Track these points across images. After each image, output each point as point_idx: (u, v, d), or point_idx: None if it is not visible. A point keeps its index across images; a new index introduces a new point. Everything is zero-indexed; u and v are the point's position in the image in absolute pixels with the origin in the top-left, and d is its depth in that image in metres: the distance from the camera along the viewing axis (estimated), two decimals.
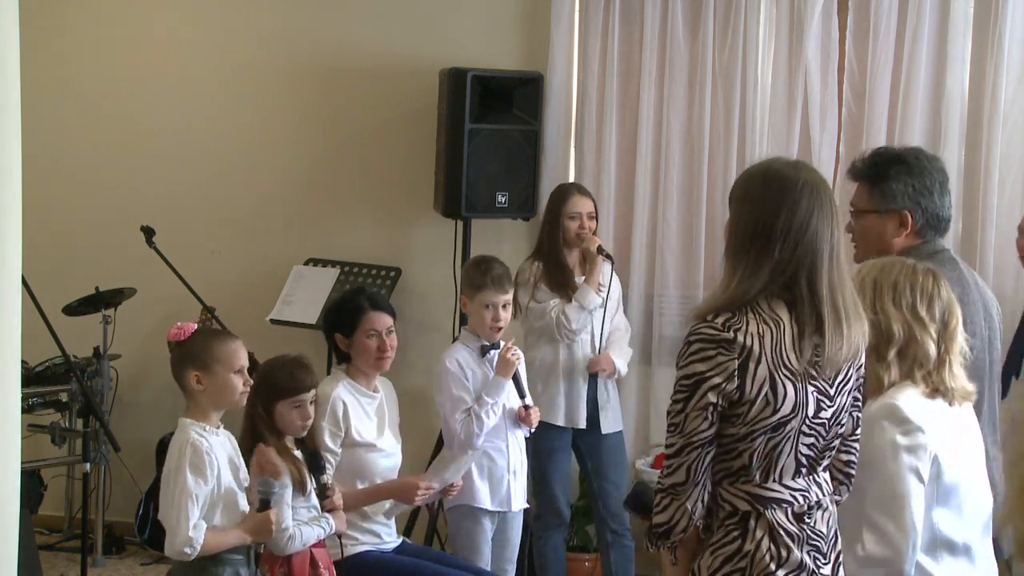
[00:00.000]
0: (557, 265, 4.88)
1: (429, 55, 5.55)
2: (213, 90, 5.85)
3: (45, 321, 4.80)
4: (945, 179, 3.53)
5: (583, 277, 4.91)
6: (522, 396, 4.35)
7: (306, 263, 5.67)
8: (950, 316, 2.87)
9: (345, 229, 5.77)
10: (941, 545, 2.85)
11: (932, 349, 2.84)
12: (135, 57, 5.89)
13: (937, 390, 2.85)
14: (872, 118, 5.26)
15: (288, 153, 5.83)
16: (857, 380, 2.63)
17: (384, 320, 4.09)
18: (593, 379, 4.91)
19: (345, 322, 4.08)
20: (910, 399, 2.81)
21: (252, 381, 3.47)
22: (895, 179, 3.45)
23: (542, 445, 4.77)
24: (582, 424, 4.88)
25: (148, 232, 5.43)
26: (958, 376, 2.89)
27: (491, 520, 4.34)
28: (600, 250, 4.86)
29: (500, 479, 4.31)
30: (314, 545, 3.66)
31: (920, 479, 2.77)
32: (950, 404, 2.87)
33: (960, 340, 2.89)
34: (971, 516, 2.90)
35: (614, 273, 4.93)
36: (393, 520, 4.15)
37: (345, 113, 5.75)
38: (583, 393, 4.88)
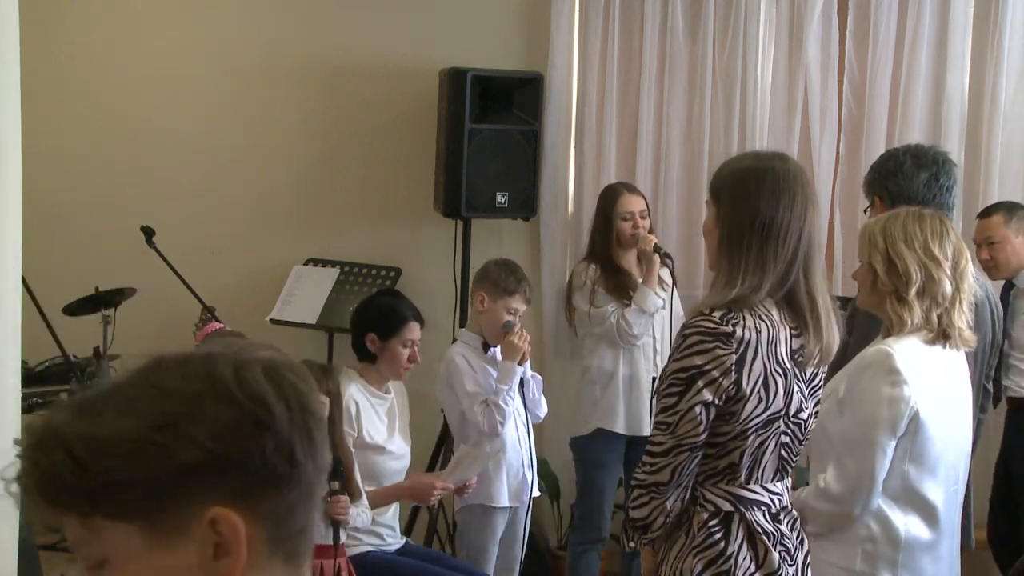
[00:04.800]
0: (612, 268, 4.75)
1: (429, 55, 5.54)
2: (213, 90, 5.84)
3: (45, 321, 4.79)
4: (927, 160, 3.61)
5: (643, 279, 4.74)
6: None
7: (306, 263, 5.65)
8: (959, 256, 2.90)
9: (345, 229, 5.76)
10: (910, 498, 2.88)
11: (948, 286, 2.86)
12: (135, 58, 5.87)
13: (945, 333, 2.87)
14: (872, 118, 5.26)
15: (288, 153, 5.82)
16: (821, 383, 2.64)
17: (418, 333, 4.14)
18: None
19: (384, 325, 4.10)
20: (907, 348, 2.84)
21: None
22: (869, 174, 3.73)
23: (594, 453, 4.67)
24: (646, 432, 4.55)
25: (148, 232, 5.41)
26: (965, 317, 2.91)
27: (503, 517, 4.32)
28: (657, 249, 4.69)
29: (517, 473, 4.30)
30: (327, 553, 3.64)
31: (893, 432, 2.81)
32: (953, 348, 2.90)
33: (970, 280, 2.92)
34: (944, 475, 2.93)
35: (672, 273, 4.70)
36: (396, 521, 4.15)
37: (345, 113, 5.74)
38: (646, 400, 4.66)
